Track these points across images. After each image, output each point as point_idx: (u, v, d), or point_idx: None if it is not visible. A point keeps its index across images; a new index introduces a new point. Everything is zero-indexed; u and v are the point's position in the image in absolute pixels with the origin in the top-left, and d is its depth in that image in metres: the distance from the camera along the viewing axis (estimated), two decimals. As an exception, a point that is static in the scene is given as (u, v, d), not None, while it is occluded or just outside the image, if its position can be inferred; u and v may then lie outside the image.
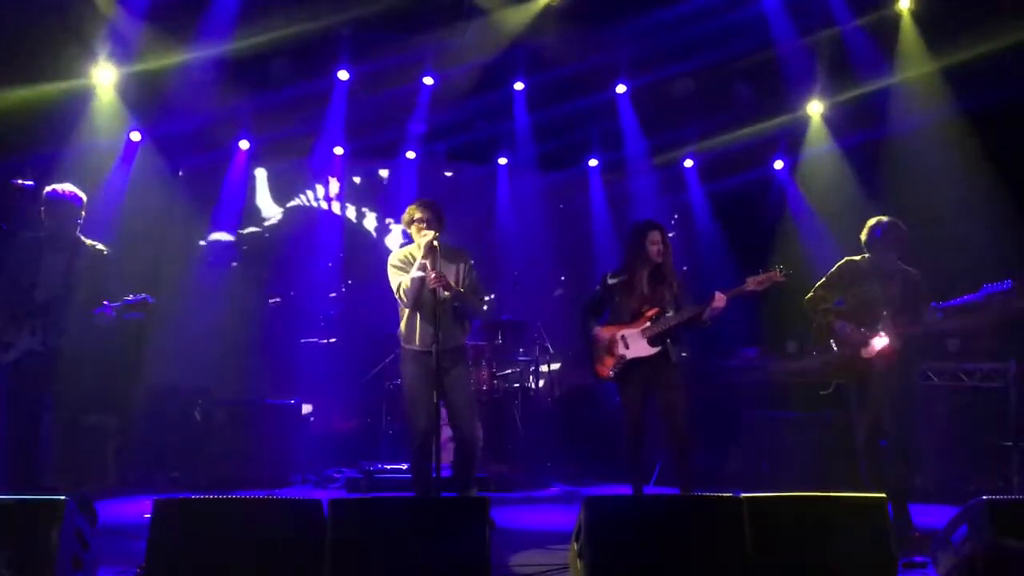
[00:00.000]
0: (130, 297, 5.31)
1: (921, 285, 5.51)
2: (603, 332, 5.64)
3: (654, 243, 5.53)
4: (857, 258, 5.71)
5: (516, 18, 7.68)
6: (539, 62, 8.29)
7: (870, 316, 5.48)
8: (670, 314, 5.46)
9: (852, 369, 5.51)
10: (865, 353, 5.44)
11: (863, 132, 8.19)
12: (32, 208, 5.28)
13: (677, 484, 5.53)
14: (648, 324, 5.48)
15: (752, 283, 5.39)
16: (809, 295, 5.76)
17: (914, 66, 7.50)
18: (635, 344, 5.50)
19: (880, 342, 5.40)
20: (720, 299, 5.34)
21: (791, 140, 9.16)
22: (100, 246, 5.43)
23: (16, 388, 5.18)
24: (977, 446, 6.47)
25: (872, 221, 5.63)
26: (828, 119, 8.62)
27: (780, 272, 5.36)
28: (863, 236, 5.63)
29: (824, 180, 8.71)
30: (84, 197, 5.42)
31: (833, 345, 5.60)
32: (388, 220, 9.76)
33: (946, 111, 7.37)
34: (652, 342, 5.46)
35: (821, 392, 5.77)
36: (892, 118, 7.85)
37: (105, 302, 5.20)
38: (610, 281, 5.68)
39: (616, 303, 5.67)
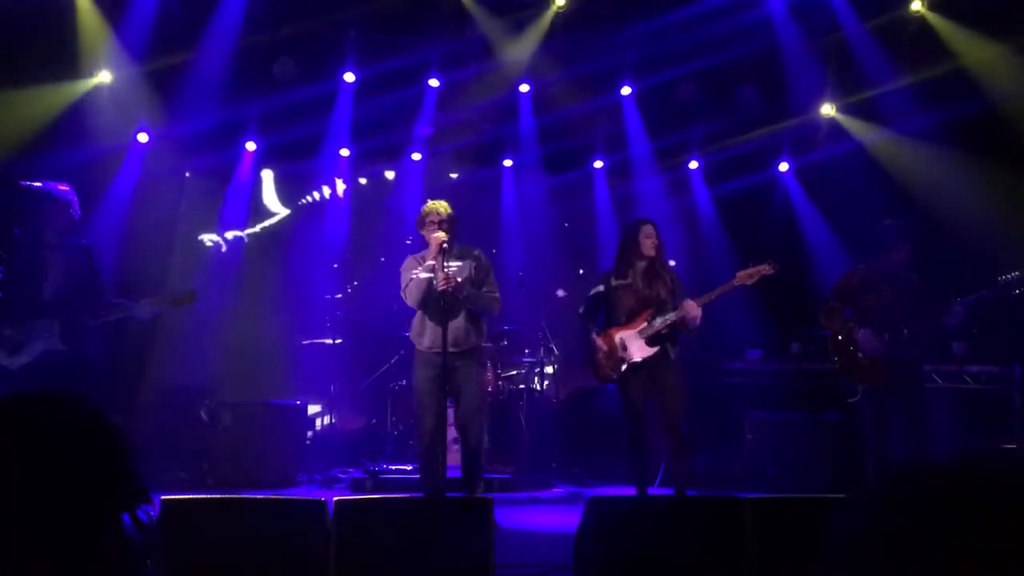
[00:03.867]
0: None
1: (925, 286, 5.53)
2: (603, 338, 5.60)
3: (648, 236, 5.52)
4: (863, 265, 5.75)
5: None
6: (544, 64, 8.31)
7: (883, 321, 5.50)
8: (668, 314, 5.45)
9: (870, 374, 5.54)
10: (883, 355, 5.48)
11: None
12: (39, 209, 5.32)
13: (671, 484, 5.54)
14: (645, 325, 5.46)
15: (742, 276, 5.40)
16: (823, 307, 5.79)
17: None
18: (633, 345, 5.47)
19: (892, 345, 5.44)
20: (690, 306, 5.32)
21: (799, 142, 9.17)
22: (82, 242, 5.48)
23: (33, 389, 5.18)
24: (980, 449, 6.47)
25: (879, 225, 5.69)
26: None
27: (770, 266, 5.37)
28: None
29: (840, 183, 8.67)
30: (73, 193, 5.45)
31: (854, 352, 5.61)
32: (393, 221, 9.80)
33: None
34: (650, 342, 5.44)
35: (848, 400, 5.79)
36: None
37: None
38: (611, 282, 5.67)
39: (612, 303, 5.65)
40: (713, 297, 5.46)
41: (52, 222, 5.34)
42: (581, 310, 5.78)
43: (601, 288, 5.67)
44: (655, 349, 5.43)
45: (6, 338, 5.10)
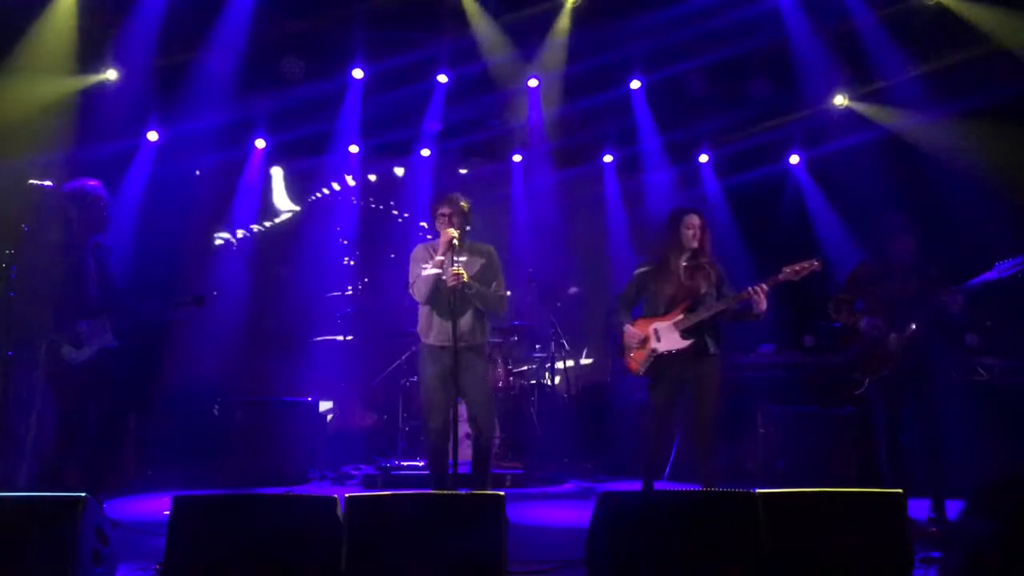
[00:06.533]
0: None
1: (934, 274, 5.49)
2: (635, 327, 5.45)
3: (690, 227, 5.40)
4: (872, 257, 5.74)
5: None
6: (553, 58, 8.27)
7: (892, 312, 5.48)
8: (707, 307, 5.29)
9: (880, 365, 5.50)
10: (892, 347, 5.45)
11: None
12: (52, 208, 5.31)
13: (698, 480, 5.40)
14: (682, 316, 5.31)
15: (789, 272, 5.19)
16: (833, 299, 5.74)
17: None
18: (667, 337, 5.33)
19: (902, 336, 5.41)
20: (760, 290, 5.12)
21: (809, 135, 9.12)
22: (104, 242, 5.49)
23: (85, 386, 5.20)
24: (994, 441, 6.43)
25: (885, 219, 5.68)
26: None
27: (816, 263, 5.24)
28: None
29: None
30: (103, 189, 5.46)
31: (862, 344, 5.60)
32: (403, 215, 9.80)
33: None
34: (685, 335, 5.29)
35: (855, 392, 5.75)
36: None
37: None
38: (643, 270, 5.53)
39: (650, 294, 5.49)
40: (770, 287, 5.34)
41: (86, 221, 5.33)
42: (618, 298, 5.64)
43: (639, 276, 5.53)
44: (689, 342, 5.28)
45: (72, 335, 5.13)
